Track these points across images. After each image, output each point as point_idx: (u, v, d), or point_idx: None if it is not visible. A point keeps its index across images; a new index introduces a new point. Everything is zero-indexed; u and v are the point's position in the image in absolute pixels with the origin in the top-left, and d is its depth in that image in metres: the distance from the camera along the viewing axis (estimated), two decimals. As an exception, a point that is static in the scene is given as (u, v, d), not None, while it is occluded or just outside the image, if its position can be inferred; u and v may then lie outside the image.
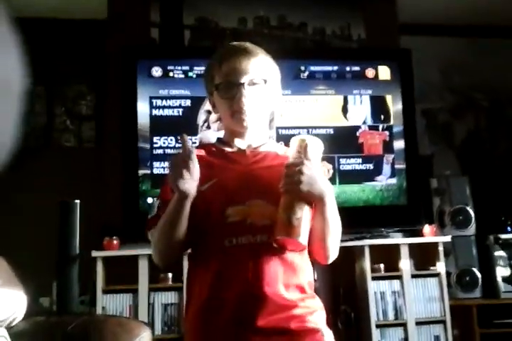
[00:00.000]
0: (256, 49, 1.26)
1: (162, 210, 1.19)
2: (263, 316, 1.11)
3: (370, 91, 3.36)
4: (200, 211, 1.17)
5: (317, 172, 1.15)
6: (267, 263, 1.13)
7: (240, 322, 1.12)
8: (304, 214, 1.12)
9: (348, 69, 3.38)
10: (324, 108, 3.30)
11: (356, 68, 3.39)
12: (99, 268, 2.75)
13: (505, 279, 3.24)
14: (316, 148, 1.21)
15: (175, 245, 1.17)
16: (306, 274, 1.20)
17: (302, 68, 3.32)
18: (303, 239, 1.11)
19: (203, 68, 3.10)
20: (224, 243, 1.14)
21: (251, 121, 1.23)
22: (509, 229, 3.43)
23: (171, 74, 3.14)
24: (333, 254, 1.23)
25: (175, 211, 1.13)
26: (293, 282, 1.16)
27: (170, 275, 2.85)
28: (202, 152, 1.27)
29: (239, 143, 1.27)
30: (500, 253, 3.29)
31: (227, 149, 1.27)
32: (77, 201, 2.56)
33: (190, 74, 3.15)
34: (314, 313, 1.18)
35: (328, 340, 1.18)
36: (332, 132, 3.26)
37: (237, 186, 1.19)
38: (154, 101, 3.08)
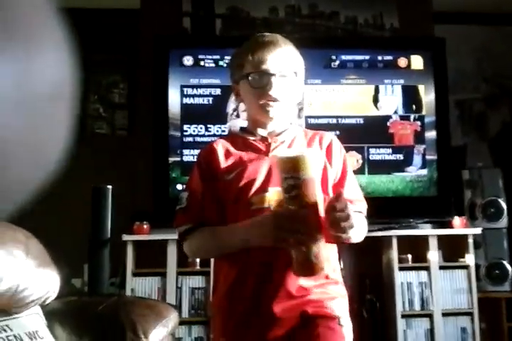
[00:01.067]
0: (286, 41, 1.28)
1: (192, 202, 1.24)
2: (278, 302, 1.15)
3: (402, 81, 3.32)
4: (227, 200, 1.22)
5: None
6: (286, 252, 1.14)
7: (257, 309, 1.17)
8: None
9: (379, 58, 3.35)
10: (355, 97, 3.28)
11: (388, 57, 3.36)
12: (130, 251, 2.82)
13: (536, 273, 3.19)
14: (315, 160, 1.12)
15: (212, 257, 1.25)
16: (330, 260, 1.21)
17: (333, 57, 3.30)
18: (324, 267, 1.09)
19: (233, 57, 3.15)
20: None
21: (277, 112, 1.24)
22: (542, 222, 3.36)
23: (201, 63, 3.17)
24: (357, 240, 1.24)
25: (233, 245, 1.18)
26: None
27: (198, 260, 2.91)
28: (226, 141, 1.30)
29: (261, 131, 1.29)
30: (532, 246, 3.24)
31: (250, 138, 1.29)
32: (110, 187, 2.63)
33: (220, 63, 3.17)
34: (334, 300, 1.20)
35: (345, 330, 1.18)
36: (362, 122, 3.24)
37: (260, 174, 1.21)
38: (185, 89, 3.12)
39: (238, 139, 1.30)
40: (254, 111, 1.27)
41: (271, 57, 1.22)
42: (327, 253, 1.10)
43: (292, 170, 1.05)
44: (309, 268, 1.07)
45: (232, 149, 1.27)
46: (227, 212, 1.22)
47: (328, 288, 1.20)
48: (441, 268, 3.03)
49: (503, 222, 3.28)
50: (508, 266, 3.20)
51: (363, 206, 1.27)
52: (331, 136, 1.34)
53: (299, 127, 1.37)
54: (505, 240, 3.26)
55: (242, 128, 1.36)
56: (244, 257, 1.18)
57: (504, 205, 3.28)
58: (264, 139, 1.28)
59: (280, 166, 1.08)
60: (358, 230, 1.18)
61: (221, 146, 1.28)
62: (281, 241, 1.06)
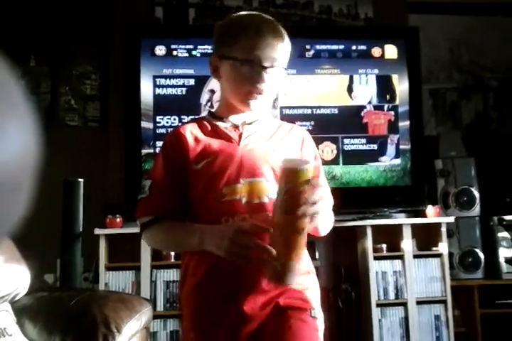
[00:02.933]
0: (284, 32, 1.22)
1: (154, 192, 1.18)
2: (251, 299, 1.13)
3: (376, 71, 3.32)
4: (195, 190, 1.17)
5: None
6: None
7: (229, 305, 1.13)
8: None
9: (354, 48, 3.34)
10: (329, 87, 3.28)
11: (362, 47, 3.35)
12: (102, 245, 2.78)
13: (507, 260, 3.24)
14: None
15: (171, 251, 1.22)
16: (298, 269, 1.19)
17: (307, 47, 3.29)
18: (290, 283, 1.07)
19: (206, 46, 3.12)
20: (221, 222, 1.13)
21: (259, 105, 1.20)
22: (514, 210, 3.41)
23: (174, 53, 3.12)
24: (325, 232, 1.24)
25: (190, 247, 1.14)
26: None
27: (172, 253, 2.89)
28: (194, 127, 1.23)
29: (233, 118, 1.24)
30: (503, 234, 3.29)
31: (221, 124, 1.23)
32: (81, 180, 2.59)
33: (194, 53, 3.13)
34: (306, 291, 1.18)
35: (318, 322, 1.17)
36: (336, 112, 3.24)
37: (231, 165, 1.16)
38: (158, 80, 3.08)
39: (208, 125, 1.24)
40: (234, 97, 1.21)
41: (268, 49, 1.16)
42: (297, 269, 1.06)
43: (285, 182, 1.03)
44: (276, 279, 1.06)
45: (201, 136, 1.21)
46: (195, 203, 1.18)
47: (299, 279, 1.16)
48: (415, 256, 3.07)
49: (476, 211, 3.32)
50: (480, 253, 3.25)
51: (331, 203, 1.25)
52: (303, 131, 1.31)
53: (272, 117, 1.34)
54: (478, 228, 3.31)
55: (211, 113, 1.29)
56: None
57: (477, 194, 3.32)
58: (235, 127, 1.23)
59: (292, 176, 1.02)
60: (326, 221, 1.19)
61: (189, 132, 1.21)
62: (233, 256, 1.03)
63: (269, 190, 1.15)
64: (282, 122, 1.32)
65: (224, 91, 1.25)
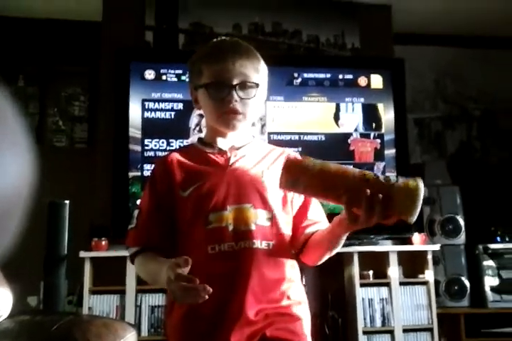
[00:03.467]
0: (249, 48, 1.21)
1: (140, 222, 1.18)
2: (237, 330, 1.07)
3: (362, 100, 3.38)
4: (184, 218, 1.14)
5: None
6: (247, 274, 1.09)
7: (214, 337, 1.09)
8: None
9: (340, 77, 3.40)
10: (316, 115, 3.31)
11: (349, 76, 3.41)
12: (87, 268, 2.73)
13: (493, 289, 3.25)
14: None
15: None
16: (293, 280, 1.16)
17: (295, 75, 3.34)
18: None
19: (196, 72, 3.15)
20: (207, 250, 1.10)
21: (238, 125, 1.18)
22: (498, 239, 3.44)
23: (164, 77, 3.14)
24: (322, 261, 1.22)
25: (160, 283, 1.05)
26: (275, 291, 1.12)
27: (158, 277, 2.84)
28: (182, 154, 1.22)
29: (221, 143, 1.22)
30: (489, 262, 3.30)
31: (208, 150, 1.21)
32: (67, 201, 2.56)
33: (183, 77, 3.15)
34: (297, 322, 1.13)
35: None
36: (323, 138, 3.27)
37: (218, 191, 1.14)
38: (147, 103, 3.09)
39: (195, 151, 1.23)
40: (214, 121, 1.20)
41: (232, 67, 1.14)
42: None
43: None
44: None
45: (188, 163, 1.19)
46: (182, 232, 1.15)
47: (290, 309, 1.12)
48: (401, 284, 3.05)
49: (461, 239, 3.34)
50: (466, 281, 3.25)
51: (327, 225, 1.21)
52: (294, 155, 1.26)
53: (262, 142, 1.32)
54: (463, 256, 3.32)
55: (200, 140, 1.27)
56: (202, 279, 1.05)
57: (462, 222, 3.35)
58: (223, 152, 1.21)
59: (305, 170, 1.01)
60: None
61: (176, 160, 1.20)
62: (177, 298, 0.98)
63: (257, 217, 1.13)
64: (273, 147, 1.29)
65: (207, 119, 1.25)
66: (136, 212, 1.20)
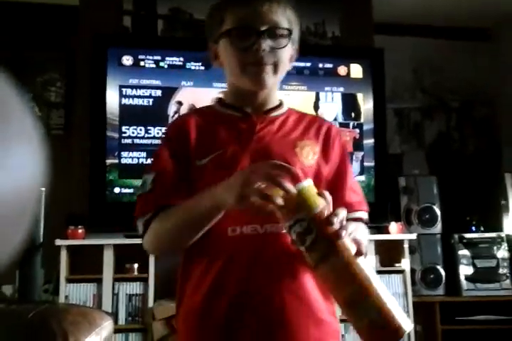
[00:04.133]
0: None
1: (158, 183, 0.99)
2: (252, 326, 0.94)
3: (341, 89, 3.37)
4: (199, 191, 0.93)
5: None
6: (270, 262, 0.95)
7: (230, 330, 0.95)
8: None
9: (320, 65, 3.39)
10: (296, 103, 3.30)
11: (329, 65, 3.40)
12: (63, 256, 2.69)
13: (468, 277, 3.30)
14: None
15: (184, 242, 0.97)
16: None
17: (276, 63, 3.31)
18: (401, 325, 0.77)
19: (174, 58, 3.11)
20: (227, 232, 0.95)
21: (268, 79, 0.99)
22: (473, 228, 3.49)
23: (142, 63, 3.09)
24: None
25: (199, 215, 0.91)
26: (301, 281, 0.96)
27: (136, 265, 2.82)
28: (200, 116, 1.06)
29: (246, 105, 1.05)
30: (464, 252, 3.35)
31: (231, 113, 1.05)
32: (43, 189, 2.51)
33: (161, 64, 3.11)
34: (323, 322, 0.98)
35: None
36: (303, 128, 3.26)
37: (241, 161, 0.97)
38: (124, 90, 3.04)
39: (215, 114, 1.06)
40: (238, 77, 1.01)
41: (260, 10, 0.97)
42: (392, 301, 0.80)
43: (295, 210, 0.80)
44: (385, 328, 0.77)
45: (206, 127, 1.03)
46: None
47: (320, 328, 0.95)
48: (378, 272, 3.06)
49: (438, 228, 3.38)
50: (441, 270, 3.29)
51: (364, 210, 1.06)
52: (329, 124, 1.11)
53: (291, 106, 1.12)
54: (439, 245, 3.36)
55: (219, 101, 1.09)
56: (221, 266, 0.95)
57: (438, 212, 3.38)
58: (248, 116, 1.04)
59: (278, 216, 0.83)
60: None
61: (194, 121, 1.03)
62: (244, 199, 0.82)
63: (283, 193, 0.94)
64: (304, 113, 1.13)
65: (229, 76, 1.06)
66: (149, 176, 1.00)
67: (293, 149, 1.01)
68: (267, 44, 0.97)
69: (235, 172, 0.90)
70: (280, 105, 1.09)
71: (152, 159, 1.07)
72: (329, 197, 0.84)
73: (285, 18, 1.00)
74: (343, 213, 0.82)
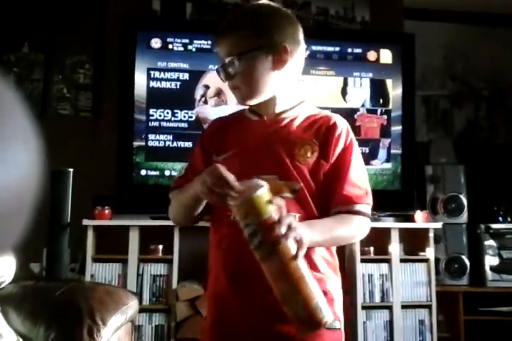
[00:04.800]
0: (241, 15, 1.20)
1: (188, 170, 1.21)
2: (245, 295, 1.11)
3: (370, 75, 3.33)
4: None
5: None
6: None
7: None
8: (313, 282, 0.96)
9: (349, 50, 3.34)
10: (324, 89, 3.27)
11: (358, 50, 3.36)
12: (90, 236, 2.73)
13: (492, 268, 3.26)
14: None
15: (190, 219, 1.21)
16: (321, 254, 1.13)
17: (304, 47, 3.28)
18: (323, 317, 0.94)
19: (203, 42, 3.11)
20: (226, 216, 1.10)
21: (243, 98, 1.16)
22: (500, 219, 3.44)
23: (170, 46, 3.09)
24: (348, 242, 1.35)
25: (191, 200, 1.12)
26: None
27: (160, 247, 2.85)
28: (228, 118, 1.28)
29: (262, 109, 1.19)
30: (490, 242, 3.31)
31: (249, 117, 1.22)
32: (70, 170, 2.55)
33: (189, 47, 3.10)
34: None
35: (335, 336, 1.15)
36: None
37: (249, 159, 1.13)
38: (152, 72, 3.04)
39: (238, 117, 1.25)
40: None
41: (219, 49, 1.17)
42: (321, 301, 0.94)
43: (244, 216, 0.95)
44: (306, 323, 0.95)
45: (227, 128, 1.22)
46: None
47: (322, 285, 1.04)
48: (401, 261, 3.06)
49: (464, 218, 3.34)
50: (466, 260, 3.26)
51: (364, 203, 1.15)
52: (336, 120, 1.18)
53: (309, 107, 1.23)
54: (465, 235, 3.32)
55: (250, 107, 1.24)
56: (224, 247, 1.14)
57: (465, 201, 3.34)
58: (261, 119, 1.19)
59: (236, 215, 0.98)
60: (337, 235, 1.11)
61: (218, 124, 1.26)
62: (205, 194, 1.01)
63: (282, 189, 1.10)
64: (318, 112, 1.22)
65: None
66: (185, 165, 1.26)
67: (292, 148, 1.13)
68: (222, 76, 1.15)
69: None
70: (294, 106, 1.20)
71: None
72: (281, 203, 1.02)
73: (239, 40, 1.13)
74: (287, 219, 0.94)
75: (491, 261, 3.27)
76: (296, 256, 0.94)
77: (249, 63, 1.13)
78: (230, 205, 0.98)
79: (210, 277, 1.20)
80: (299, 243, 0.94)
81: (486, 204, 3.47)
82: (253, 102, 1.17)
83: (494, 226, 3.32)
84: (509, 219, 3.40)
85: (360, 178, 1.16)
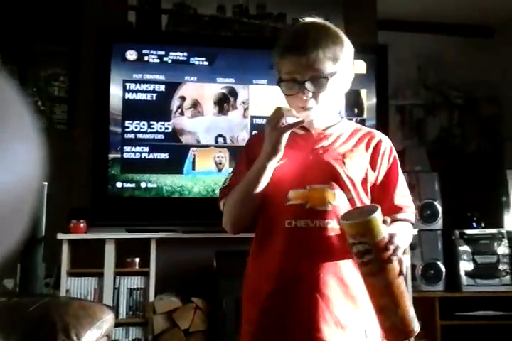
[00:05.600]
0: (322, 36, 1.18)
1: (233, 180, 1.26)
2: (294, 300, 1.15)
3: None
4: (266, 191, 1.20)
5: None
6: (317, 251, 1.16)
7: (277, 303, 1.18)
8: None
9: (324, 61, 3.38)
10: (299, 99, 3.30)
11: (333, 61, 3.40)
12: (65, 250, 2.71)
13: (467, 273, 3.31)
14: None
15: (249, 210, 1.22)
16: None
17: (279, 58, 3.31)
18: (414, 328, 1.08)
19: (178, 53, 3.12)
20: (284, 224, 1.17)
21: (317, 113, 1.19)
22: (474, 224, 3.49)
23: (145, 58, 3.10)
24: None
25: (257, 171, 1.17)
26: (334, 268, 1.17)
27: (137, 260, 2.85)
28: None
29: (309, 124, 1.23)
30: (464, 248, 3.36)
31: (296, 131, 1.23)
32: (45, 183, 2.53)
33: (165, 59, 3.12)
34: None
35: None
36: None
37: (300, 169, 1.20)
38: (128, 84, 3.05)
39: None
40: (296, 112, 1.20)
41: (303, 62, 1.15)
42: (413, 312, 1.08)
43: (360, 235, 1.02)
44: (401, 332, 1.07)
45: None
46: (265, 202, 1.22)
47: (352, 301, 1.16)
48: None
49: (438, 224, 3.39)
50: (442, 266, 3.31)
51: (411, 212, 1.26)
52: (381, 137, 1.29)
53: (351, 122, 1.34)
54: (440, 241, 3.37)
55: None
56: (277, 250, 1.18)
57: (439, 208, 3.39)
58: (308, 133, 1.25)
59: (348, 233, 1.05)
60: (404, 244, 1.17)
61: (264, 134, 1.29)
62: (274, 137, 1.12)
63: (334, 198, 1.18)
64: (360, 127, 1.32)
65: None
66: (230, 176, 1.29)
67: (343, 160, 1.21)
68: (308, 91, 1.16)
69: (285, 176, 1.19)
70: (338, 122, 1.28)
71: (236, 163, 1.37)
72: (388, 220, 1.06)
73: (329, 61, 1.17)
74: (396, 240, 1.04)
75: (465, 266, 3.32)
76: (400, 273, 1.05)
77: (332, 84, 1.18)
78: (343, 223, 1.05)
79: (250, 280, 1.25)
80: (400, 260, 1.05)
81: (460, 210, 3.52)
82: (322, 119, 1.24)
83: (468, 232, 3.38)
84: (483, 225, 3.46)
85: (406, 189, 1.28)
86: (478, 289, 3.26)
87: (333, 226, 1.16)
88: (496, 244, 3.34)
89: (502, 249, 3.32)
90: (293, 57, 1.16)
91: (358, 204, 1.19)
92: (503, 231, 3.36)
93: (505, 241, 3.33)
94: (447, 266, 3.32)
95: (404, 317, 1.05)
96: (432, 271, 3.30)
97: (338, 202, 1.17)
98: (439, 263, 3.31)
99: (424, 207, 3.39)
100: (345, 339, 1.13)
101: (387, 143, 1.28)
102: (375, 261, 1.02)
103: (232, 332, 2.50)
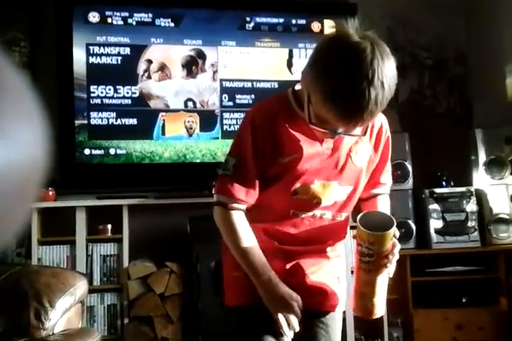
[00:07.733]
0: (386, 93, 1.05)
1: (238, 172, 1.21)
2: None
3: (315, 46, 3.32)
4: (276, 182, 1.23)
5: None
6: (319, 228, 1.29)
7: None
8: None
9: (293, 22, 3.33)
10: (269, 61, 3.26)
11: (302, 21, 3.35)
12: (35, 219, 2.68)
13: (437, 231, 3.38)
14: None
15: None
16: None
17: (247, 19, 3.25)
18: (380, 312, 1.29)
19: (143, 15, 3.02)
20: (289, 212, 1.25)
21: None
22: (444, 183, 3.55)
23: (109, 20, 3.01)
24: None
25: (246, 270, 1.24)
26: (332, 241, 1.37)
27: (109, 226, 2.83)
28: (289, 118, 1.21)
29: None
30: (434, 206, 3.41)
31: (315, 128, 1.18)
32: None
33: (129, 21, 3.03)
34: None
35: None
36: (276, 86, 3.23)
37: (311, 164, 1.22)
38: (91, 48, 2.96)
39: (298, 118, 1.20)
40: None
41: (348, 125, 1.09)
42: (384, 299, 1.29)
43: (370, 243, 1.17)
44: (366, 312, 1.28)
45: (294, 130, 1.21)
46: (268, 192, 1.23)
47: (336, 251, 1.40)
48: (350, 228, 3.13)
49: (409, 184, 3.43)
50: (412, 224, 3.37)
51: (389, 184, 1.40)
52: (382, 121, 1.33)
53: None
54: (410, 201, 3.42)
55: (299, 103, 1.22)
56: (278, 236, 1.28)
57: (410, 168, 3.42)
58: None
59: (359, 235, 1.19)
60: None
61: (283, 124, 1.20)
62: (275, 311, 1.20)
63: (339, 194, 1.26)
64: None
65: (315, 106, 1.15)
66: (232, 160, 1.22)
67: (348, 154, 1.25)
68: (339, 135, 1.16)
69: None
70: None
71: (235, 140, 1.25)
72: (397, 235, 1.24)
73: (366, 124, 1.13)
74: (397, 251, 1.23)
75: (435, 224, 3.38)
76: (388, 274, 1.23)
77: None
78: (359, 228, 1.18)
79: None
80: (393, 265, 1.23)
81: (430, 170, 3.57)
82: None
83: (438, 190, 3.43)
84: (452, 184, 3.52)
85: (389, 163, 1.39)
86: (447, 246, 3.34)
87: (335, 219, 1.29)
88: (464, 201, 3.40)
89: (470, 207, 3.39)
90: (345, 120, 1.08)
91: (357, 195, 1.29)
92: (472, 189, 3.42)
93: (473, 199, 3.39)
94: (418, 224, 3.38)
95: (377, 304, 1.24)
96: (402, 230, 3.36)
97: (342, 197, 1.26)
98: (409, 221, 3.37)
99: (395, 167, 3.39)
100: (327, 282, 1.32)
101: (386, 125, 1.34)
102: (372, 263, 1.19)
103: (208, 295, 2.52)
